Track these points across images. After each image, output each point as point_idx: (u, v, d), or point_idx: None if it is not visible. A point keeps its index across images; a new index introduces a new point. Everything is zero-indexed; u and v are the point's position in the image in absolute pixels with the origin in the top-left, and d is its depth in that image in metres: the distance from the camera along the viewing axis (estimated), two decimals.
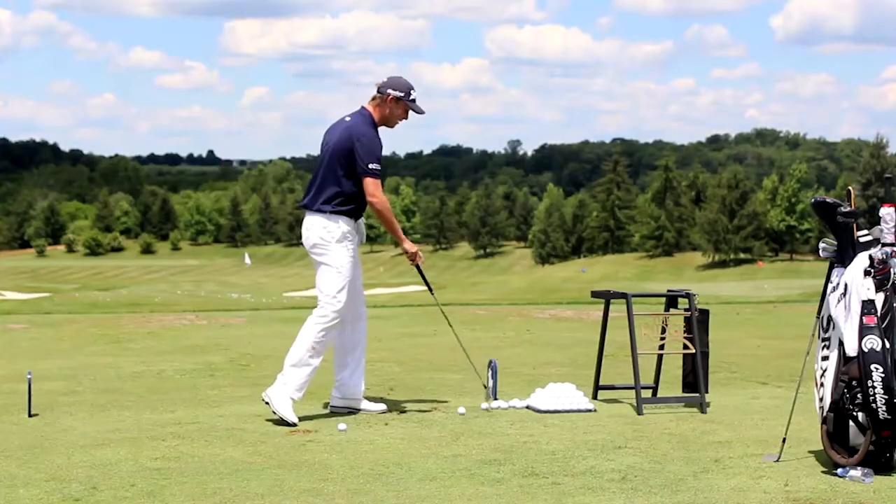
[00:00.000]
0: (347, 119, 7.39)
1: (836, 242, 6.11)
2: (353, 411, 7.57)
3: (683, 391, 8.08)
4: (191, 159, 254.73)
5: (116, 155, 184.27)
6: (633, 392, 7.92)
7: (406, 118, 7.51)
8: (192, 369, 10.04)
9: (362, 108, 7.44)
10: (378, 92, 7.40)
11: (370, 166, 7.20)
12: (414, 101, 7.44)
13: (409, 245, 7.56)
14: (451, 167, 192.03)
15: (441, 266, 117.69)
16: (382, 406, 7.66)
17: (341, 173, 7.25)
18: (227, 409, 7.76)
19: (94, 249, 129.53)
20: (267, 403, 7.19)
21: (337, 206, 7.27)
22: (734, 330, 14.42)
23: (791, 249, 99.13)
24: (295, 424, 7.04)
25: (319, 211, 7.31)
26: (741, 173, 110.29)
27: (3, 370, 9.98)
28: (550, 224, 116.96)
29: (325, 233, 7.29)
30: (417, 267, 7.73)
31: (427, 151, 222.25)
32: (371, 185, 7.21)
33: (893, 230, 5.92)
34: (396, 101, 7.38)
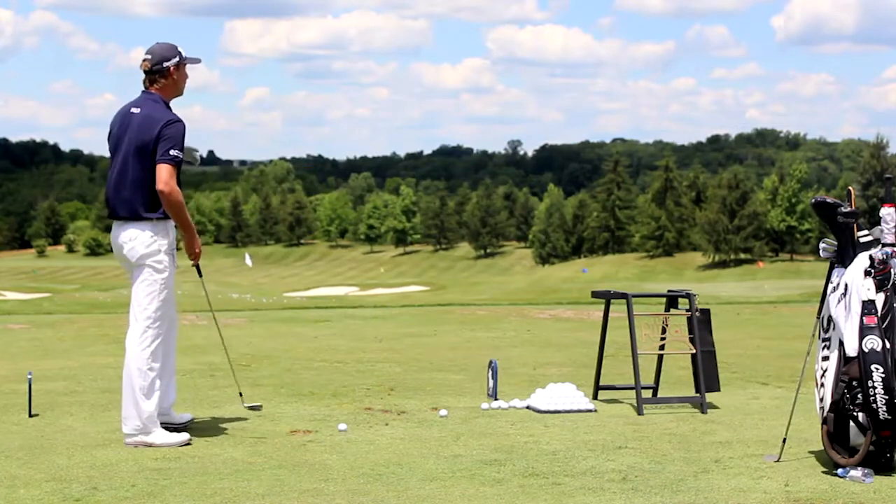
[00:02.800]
0: (137, 110, 6.68)
1: (836, 242, 6.11)
2: (165, 426, 6.79)
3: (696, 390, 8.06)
4: None
5: None
6: (633, 392, 7.92)
7: (187, 76, 6.92)
8: (192, 369, 10.04)
9: (148, 92, 6.76)
10: (154, 73, 6.74)
11: (171, 152, 6.54)
12: (186, 56, 6.86)
13: (196, 244, 6.89)
14: (451, 167, 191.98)
15: (441, 266, 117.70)
16: (188, 416, 7.18)
17: (147, 174, 6.58)
18: (227, 409, 7.76)
19: (95, 249, 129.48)
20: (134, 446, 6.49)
21: (162, 211, 6.65)
22: (735, 330, 14.42)
23: (791, 249, 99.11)
24: (189, 442, 6.56)
25: (143, 218, 6.62)
26: (741, 173, 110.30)
27: (4, 370, 9.98)
28: (551, 224, 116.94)
29: (154, 244, 6.65)
30: (196, 266, 7.07)
31: (427, 151, 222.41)
32: (166, 173, 6.51)
33: (894, 230, 5.92)
34: (178, 68, 6.80)
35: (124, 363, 6.63)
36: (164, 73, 6.77)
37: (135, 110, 6.71)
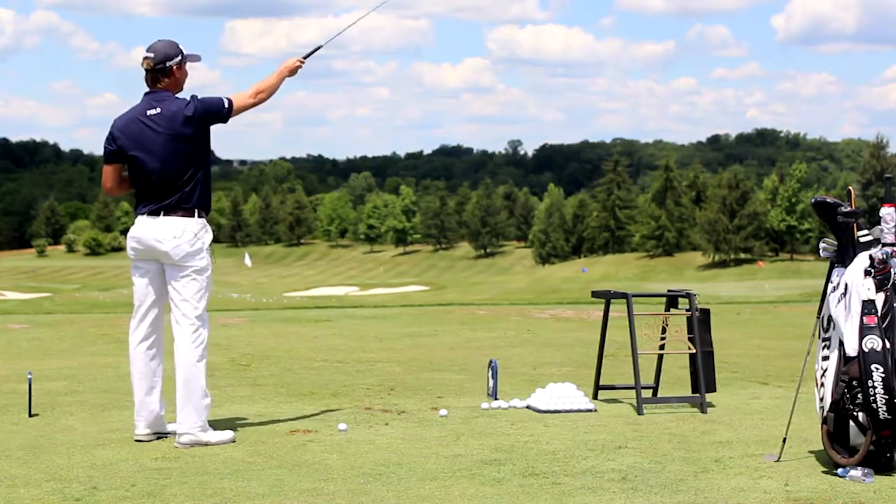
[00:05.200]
0: (156, 111, 6.57)
1: (836, 242, 6.11)
2: (161, 436, 6.72)
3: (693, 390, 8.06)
4: None
5: None
6: (633, 392, 7.92)
7: (187, 74, 6.82)
8: None
9: (156, 92, 6.64)
10: (157, 72, 6.62)
11: (224, 97, 6.71)
12: (187, 54, 6.78)
13: (289, 65, 6.92)
14: (451, 167, 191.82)
15: (441, 266, 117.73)
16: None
17: (193, 166, 6.58)
18: (227, 409, 7.76)
19: (95, 249, 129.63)
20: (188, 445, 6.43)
21: (207, 207, 6.66)
22: (735, 330, 14.42)
23: (791, 249, 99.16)
24: (233, 440, 6.57)
25: (187, 213, 6.56)
26: (741, 173, 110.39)
27: (4, 370, 9.98)
28: (551, 224, 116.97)
29: (197, 241, 6.58)
30: (309, 54, 7.07)
31: (427, 151, 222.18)
32: (242, 96, 6.76)
33: (893, 230, 5.92)
34: (180, 67, 6.69)
35: (176, 364, 6.55)
36: (167, 71, 6.66)
37: (153, 111, 6.59)
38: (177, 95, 6.71)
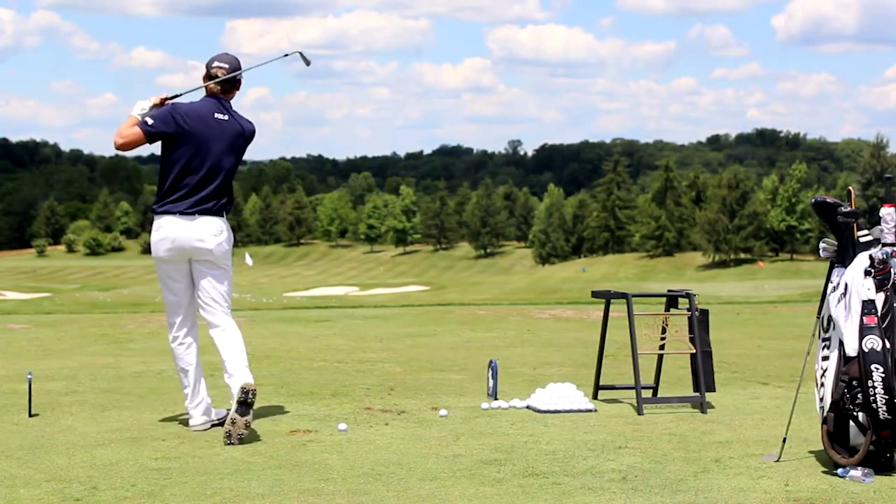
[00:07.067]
0: (223, 117, 6.95)
1: (836, 242, 6.11)
2: (215, 424, 7.05)
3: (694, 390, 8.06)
4: None
5: (116, 155, 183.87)
6: (633, 392, 7.93)
7: None
8: None
9: (222, 99, 7.02)
10: (228, 82, 7.03)
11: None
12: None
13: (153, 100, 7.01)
14: (451, 167, 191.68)
15: (441, 266, 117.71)
16: (222, 411, 7.24)
17: (231, 176, 7.02)
18: (227, 408, 7.75)
19: (95, 249, 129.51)
20: (250, 403, 6.64)
21: (229, 211, 7.09)
22: (735, 330, 14.43)
23: (791, 249, 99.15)
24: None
25: (220, 215, 6.97)
26: (741, 173, 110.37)
27: (3, 370, 9.98)
28: (551, 224, 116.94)
29: (229, 239, 7.03)
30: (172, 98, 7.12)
31: (427, 151, 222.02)
32: None
33: (893, 230, 5.92)
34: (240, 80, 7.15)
35: (227, 343, 7.11)
36: (237, 83, 7.08)
37: (221, 116, 6.95)
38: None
